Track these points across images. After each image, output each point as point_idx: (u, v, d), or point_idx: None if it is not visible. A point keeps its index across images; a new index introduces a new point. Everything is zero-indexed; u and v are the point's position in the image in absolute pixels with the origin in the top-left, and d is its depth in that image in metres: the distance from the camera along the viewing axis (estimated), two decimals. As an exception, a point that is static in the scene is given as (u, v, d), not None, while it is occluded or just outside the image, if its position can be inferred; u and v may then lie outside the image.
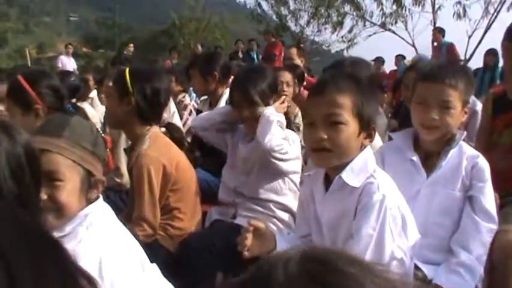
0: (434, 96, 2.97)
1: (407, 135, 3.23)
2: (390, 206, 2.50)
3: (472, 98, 3.93)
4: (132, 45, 21.84)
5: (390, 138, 4.88)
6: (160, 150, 3.70)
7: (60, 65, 18.80)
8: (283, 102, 4.04)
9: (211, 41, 35.50)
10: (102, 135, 2.48)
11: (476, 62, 24.82)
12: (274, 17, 32.65)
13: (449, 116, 2.96)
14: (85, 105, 7.25)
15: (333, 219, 2.71)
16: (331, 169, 2.69)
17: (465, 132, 3.14)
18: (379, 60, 18.23)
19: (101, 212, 2.38)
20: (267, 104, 3.92)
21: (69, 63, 18.85)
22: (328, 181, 2.73)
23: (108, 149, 2.49)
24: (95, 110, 7.36)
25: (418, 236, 2.69)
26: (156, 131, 3.82)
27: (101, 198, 2.44)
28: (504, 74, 3.48)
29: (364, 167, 2.62)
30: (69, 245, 2.14)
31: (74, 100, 6.75)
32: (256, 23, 32.56)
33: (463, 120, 3.08)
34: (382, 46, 29.59)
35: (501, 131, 3.85)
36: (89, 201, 2.36)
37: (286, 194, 3.94)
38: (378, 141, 4.22)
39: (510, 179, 3.66)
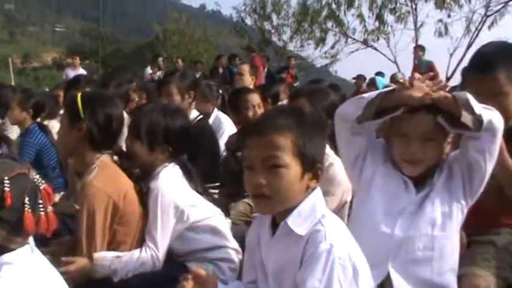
0: (414, 128, 2.83)
1: None
2: (339, 255, 2.29)
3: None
4: (180, 60, 21.49)
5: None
6: (106, 181, 3.50)
7: (65, 77, 18.05)
8: None
9: (194, 55, 35.34)
10: (42, 187, 2.24)
11: (458, 80, 24.93)
12: (257, 31, 32.62)
13: (432, 148, 2.84)
14: (53, 123, 7.09)
15: (278, 267, 2.51)
16: (278, 212, 2.49)
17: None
18: (361, 78, 18.08)
19: (21, 262, 2.17)
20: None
21: (76, 77, 18.16)
22: (275, 225, 2.54)
23: (41, 209, 2.21)
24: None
25: (372, 284, 2.52)
26: (105, 160, 3.62)
27: (28, 246, 2.24)
28: None
29: (312, 212, 2.42)
30: None
31: (38, 119, 6.61)
32: (239, 38, 32.62)
33: (447, 151, 2.96)
34: (365, 62, 29.62)
35: None
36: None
37: (199, 238, 3.72)
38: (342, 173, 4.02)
39: (478, 215, 3.34)
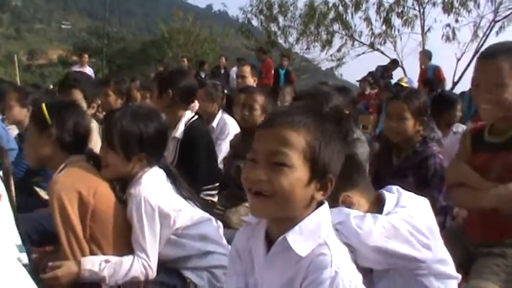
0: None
1: None
2: (344, 284, 2.04)
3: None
4: (186, 59, 21.38)
5: (370, 168, 4.62)
6: (73, 176, 3.39)
7: None
8: None
9: (200, 55, 35.33)
10: None
11: (465, 86, 24.89)
12: (264, 33, 32.53)
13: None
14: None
15: None
16: (273, 223, 2.19)
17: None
18: (365, 81, 17.86)
19: None
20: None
21: (83, 75, 17.30)
22: (269, 239, 2.22)
23: None
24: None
25: None
26: (73, 159, 3.54)
27: None
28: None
29: (315, 231, 2.11)
30: None
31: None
32: (245, 39, 32.56)
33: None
34: (371, 66, 29.43)
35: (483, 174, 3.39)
36: None
37: (187, 244, 3.56)
38: None
39: (485, 226, 3.38)
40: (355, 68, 34.00)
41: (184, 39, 38.36)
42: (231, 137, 6.28)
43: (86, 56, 19.38)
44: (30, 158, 3.77)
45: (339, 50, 30.69)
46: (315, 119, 2.13)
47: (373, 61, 30.45)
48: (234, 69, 18.62)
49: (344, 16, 29.02)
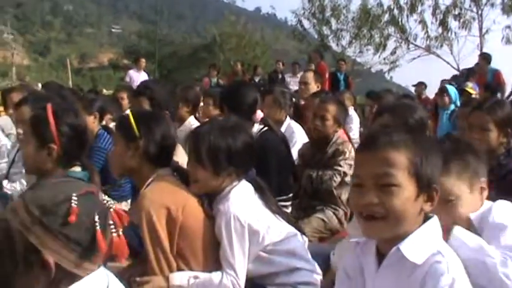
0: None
1: None
2: None
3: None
4: (239, 63, 21.36)
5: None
6: (162, 191, 3.34)
7: (128, 79, 17.14)
8: None
9: (251, 58, 35.19)
10: (113, 208, 2.02)
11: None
12: (315, 36, 32.25)
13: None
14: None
15: None
16: (383, 240, 2.23)
17: None
18: (421, 85, 17.47)
19: None
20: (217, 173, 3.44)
21: (138, 80, 16.31)
22: (380, 253, 2.26)
23: (113, 230, 1.98)
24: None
25: None
26: (161, 173, 3.47)
27: (98, 272, 1.99)
28: None
29: (428, 241, 2.16)
30: None
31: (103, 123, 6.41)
32: (297, 42, 32.34)
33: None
34: (425, 70, 28.98)
35: None
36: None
37: (275, 261, 3.49)
38: None
39: None
40: (405, 71, 33.55)
41: (236, 43, 38.25)
42: (298, 145, 6.17)
43: (143, 60, 18.76)
44: (114, 168, 3.67)
45: (393, 53, 30.30)
46: (412, 136, 2.21)
47: (429, 65, 29.98)
48: (289, 74, 18.50)
49: (399, 19, 28.58)
